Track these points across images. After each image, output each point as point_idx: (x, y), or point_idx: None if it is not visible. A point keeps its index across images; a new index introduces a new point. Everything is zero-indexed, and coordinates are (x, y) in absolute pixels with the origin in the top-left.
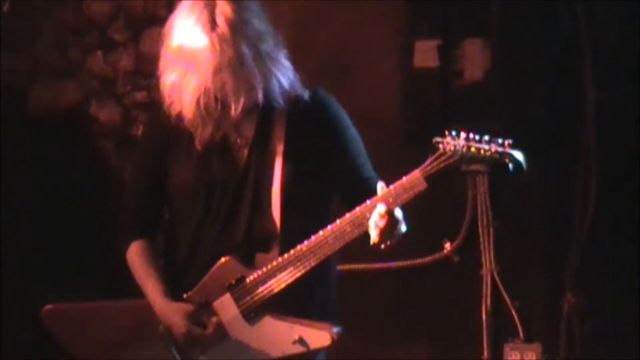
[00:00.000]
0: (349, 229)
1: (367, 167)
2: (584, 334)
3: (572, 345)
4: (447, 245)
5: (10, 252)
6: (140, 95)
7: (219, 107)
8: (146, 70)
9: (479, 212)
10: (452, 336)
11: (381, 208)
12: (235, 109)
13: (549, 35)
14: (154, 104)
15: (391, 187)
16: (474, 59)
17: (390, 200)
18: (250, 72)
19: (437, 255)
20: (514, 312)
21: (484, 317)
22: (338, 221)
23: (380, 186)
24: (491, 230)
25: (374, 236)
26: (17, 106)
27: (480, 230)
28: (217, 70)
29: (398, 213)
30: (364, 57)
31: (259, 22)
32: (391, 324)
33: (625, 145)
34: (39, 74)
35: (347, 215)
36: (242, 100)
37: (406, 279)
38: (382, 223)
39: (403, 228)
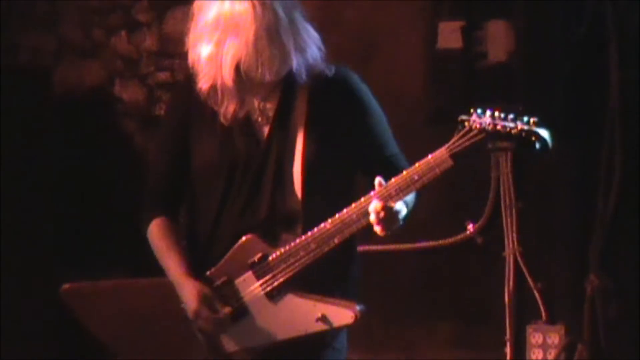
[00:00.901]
0: None
1: (391, 144)
2: (607, 315)
3: (596, 326)
4: (471, 227)
5: (34, 232)
6: (163, 75)
7: (259, 71)
8: (170, 50)
9: (503, 193)
10: (475, 317)
11: (377, 204)
12: (270, 75)
13: (573, 15)
14: (177, 84)
15: (417, 164)
16: (498, 40)
17: (392, 192)
18: (286, 39)
19: (460, 236)
20: (537, 294)
21: (507, 298)
22: (362, 199)
23: (378, 181)
24: (515, 211)
25: (377, 230)
26: (41, 86)
27: (503, 211)
28: (258, 35)
29: (399, 206)
30: (388, 37)
31: None
32: (414, 305)
33: None
34: (63, 54)
35: (372, 192)
36: (275, 67)
37: (429, 260)
38: (382, 215)
39: (403, 213)
